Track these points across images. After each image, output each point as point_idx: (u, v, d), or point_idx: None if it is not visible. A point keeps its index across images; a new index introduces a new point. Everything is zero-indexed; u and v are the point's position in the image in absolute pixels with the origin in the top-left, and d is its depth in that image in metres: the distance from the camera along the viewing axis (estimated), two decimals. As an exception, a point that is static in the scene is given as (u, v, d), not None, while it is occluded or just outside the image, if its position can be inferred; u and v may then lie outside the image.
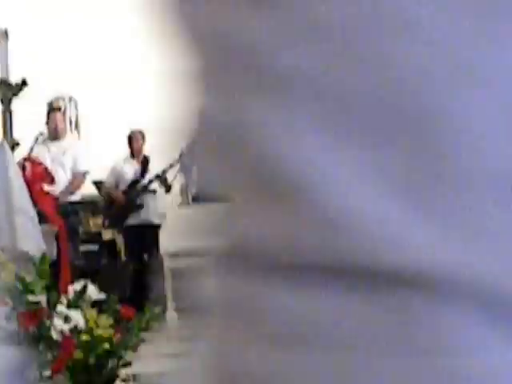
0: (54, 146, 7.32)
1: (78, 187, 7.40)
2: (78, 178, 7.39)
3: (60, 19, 9.50)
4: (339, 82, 0.37)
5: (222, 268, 0.42)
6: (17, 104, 4.63)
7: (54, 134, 7.35)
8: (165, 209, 6.81)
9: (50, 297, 2.85)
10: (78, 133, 9.60)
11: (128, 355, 3.05)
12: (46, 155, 7.15)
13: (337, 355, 0.37)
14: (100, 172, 7.79)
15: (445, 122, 0.37)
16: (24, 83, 4.54)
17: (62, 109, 8.81)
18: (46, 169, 5.17)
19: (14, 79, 4.57)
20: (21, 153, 6.11)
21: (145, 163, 7.76)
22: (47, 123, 7.35)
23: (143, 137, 7.80)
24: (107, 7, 9.84)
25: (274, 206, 0.38)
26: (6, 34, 4.58)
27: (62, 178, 7.14)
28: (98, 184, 8.14)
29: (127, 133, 7.89)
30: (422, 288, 0.37)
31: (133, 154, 7.82)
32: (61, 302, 2.91)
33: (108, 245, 8.62)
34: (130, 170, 7.75)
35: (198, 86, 0.42)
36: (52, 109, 7.84)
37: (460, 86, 0.37)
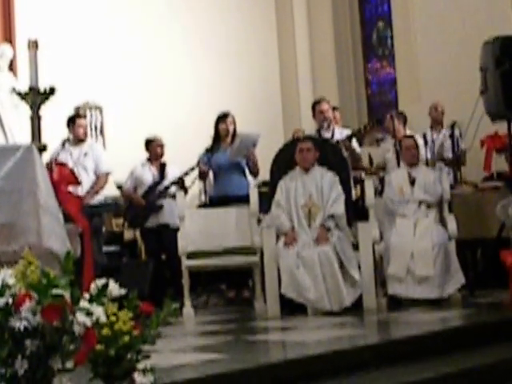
0: (76, 150, 7.34)
1: (102, 187, 7.42)
2: (101, 179, 7.41)
3: (88, 29, 9.54)
4: None
5: None
6: (45, 110, 4.65)
7: (76, 139, 7.37)
8: (183, 211, 6.81)
9: (74, 292, 2.86)
10: (103, 138, 9.62)
11: (146, 349, 3.05)
12: (69, 159, 7.17)
13: None
14: (123, 175, 7.81)
15: None
16: (52, 91, 4.56)
17: (87, 115, 8.84)
18: (71, 171, 5.18)
19: (43, 86, 4.59)
20: (48, 156, 6.14)
21: (162, 168, 7.76)
22: (68, 128, 7.38)
23: (161, 143, 7.81)
24: (132, 18, 9.88)
25: None
26: (36, 43, 4.60)
27: (85, 180, 7.16)
28: (119, 186, 8.17)
29: (145, 138, 7.90)
30: None
31: (150, 159, 7.82)
32: (84, 298, 2.91)
33: (129, 244, 8.64)
34: (148, 174, 7.75)
35: None
36: (75, 115, 7.87)
37: None
